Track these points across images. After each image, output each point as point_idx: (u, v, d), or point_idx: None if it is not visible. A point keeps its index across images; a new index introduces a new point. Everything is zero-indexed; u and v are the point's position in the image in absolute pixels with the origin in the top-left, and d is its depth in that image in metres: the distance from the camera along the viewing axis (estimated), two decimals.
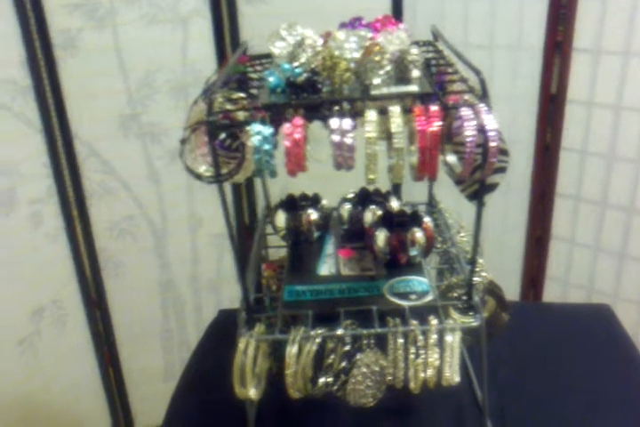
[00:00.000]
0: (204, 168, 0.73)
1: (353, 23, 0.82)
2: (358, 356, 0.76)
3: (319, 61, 0.72)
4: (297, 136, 0.66)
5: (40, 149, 1.34)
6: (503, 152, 0.70)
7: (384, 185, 0.96)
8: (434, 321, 0.76)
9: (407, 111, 0.68)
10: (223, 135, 0.72)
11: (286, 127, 0.66)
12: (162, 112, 1.45)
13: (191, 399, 0.99)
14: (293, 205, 0.97)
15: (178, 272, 1.63)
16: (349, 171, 0.67)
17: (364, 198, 0.97)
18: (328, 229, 0.97)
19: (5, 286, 1.35)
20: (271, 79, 0.72)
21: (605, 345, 1.04)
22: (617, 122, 1.47)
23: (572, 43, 1.46)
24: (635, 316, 1.57)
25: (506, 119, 1.55)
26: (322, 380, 0.76)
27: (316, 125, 0.77)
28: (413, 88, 0.71)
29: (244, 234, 1.61)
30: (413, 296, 0.81)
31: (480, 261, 0.88)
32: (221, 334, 1.10)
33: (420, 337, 0.75)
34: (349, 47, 0.74)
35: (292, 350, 0.74)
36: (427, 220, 0.86)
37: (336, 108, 0.68)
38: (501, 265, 1.68)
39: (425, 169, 0.67)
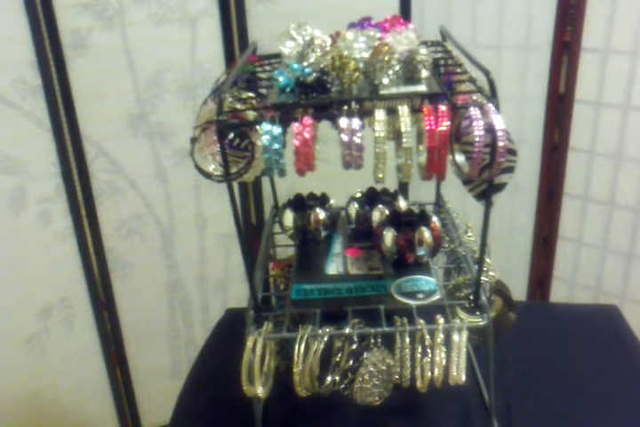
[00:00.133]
0: (213, 167, 0.74)
1: (362, 23, 0.82)
2: (365, 355, 0.76)
3: (328, 61, 0.73)
4: (306, 135, 0.66)
5: (49, 149, 1.35)
6: (511, 152, 0.71)
7: (391, 185, 0.96)
8: (441, 320, 0.76)
9: (416, 111, 0.68)
10: (232, 135, 0.72)
11: (295, 127, 0.67)
12: (170, 112, 1.46)
13: (198, 398, 1.00)
14: (301, 204, 0.97)
15: (185, 272, 1.64)
16: (358, 170, 0.67)
17: (372, 198, 0.97)
18: (336, 229, 0.97)
19: (14, 285, 1.36)
20: (280, 79, 0.72)
21: (613, 346, 1.04)
22: (625, 122, 1.46)
23: (580, 42, 1.46)
24: None
25: (514, 119, 1.55)
26: (329, 378, 0.76)
27: (324, 125, 0.77)
28: (422, 88, 0.71)
29: (252, 233, 1.62)
30: (421, 295, 0.81)
31: (487, 260, 0.89)
32: (229, 333, 1.11)
33: (427, 336, 0.75)
34: (358, 47, 0.74)
35: (299, 348, 0.75)
36: (434, 219, 0.86)
37: (345, 107, 0.68)
38: (508, 265, 1.68)
39: (433, 169, 0.67)
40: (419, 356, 0.75)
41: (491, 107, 0.65)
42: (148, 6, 1.37)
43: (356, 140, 0.66)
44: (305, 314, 0.83)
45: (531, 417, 0.90)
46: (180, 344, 1.70)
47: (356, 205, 0.96)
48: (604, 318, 1.12)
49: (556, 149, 1.57)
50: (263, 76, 0.83)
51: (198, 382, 1.03)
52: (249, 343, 0.77)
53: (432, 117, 0.65)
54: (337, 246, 0.94)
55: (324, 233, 0.94)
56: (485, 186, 0.73)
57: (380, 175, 0.67)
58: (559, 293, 1.69)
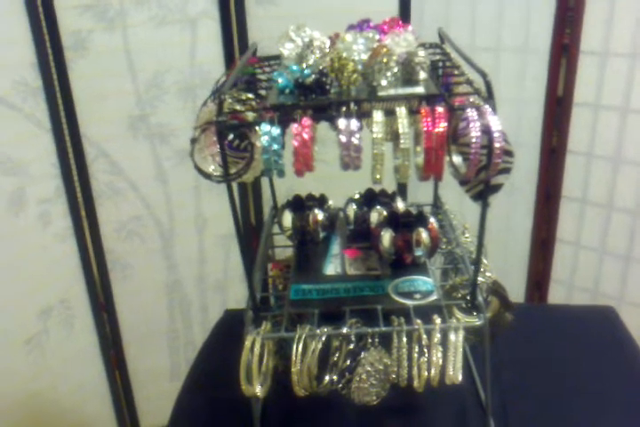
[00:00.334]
0: (212, 168, 0.74)
1: (361, 25, 0.83)
2: (363, 354, 0.76)
3: (327, 63, 0.73)
4: (305, 136, 0.67)
5: (49, 150, 1.36)
6: (508, 153, 0.71)
7: (390, 186, 0.97)
8: (438, 320, 0.77)
9: (414, 112, 0.68)
10: (232, 135, 0.73)
11: (294, 128, 0.67)
12: (170, 113, 1.47)
13: (197, 398, 1.00)
14: (300, 205, 0.97)
15: (184, 273, 1.64)
16: (356, 171, 0.68)
17: (370, 199, 0.98)
18: (334, 230, 0.97)
19: (14, 285, 1.36)
20: (280, 80, 0.73)
21: (610, 347, 1.04)
22: (623, 125, 1.47)
23: (579, 45, 1.46)
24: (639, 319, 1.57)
25: (512, 121, 1.56)
26: (327, 378, 0.77)
27: (323, 127, 0.78)
28: (420, 89, 0.72)
29: (251, 234, 1.62)
30: (418, 296, 0.81)
31: (484, 261, 0.89)
32: (227, 333, 1.11)
33: (424, 336, 0.76)
34: (357, 49, 0.75)
35: (297, 348, 0.75)
36: (432, 220, 0.86)
37: (343, 109, 0.69)
38: (507, 267, 1.69)
39: (431, 169, 0.67)
40: (416, 355, 0.76)
41: (487, 108, 0.66)
42: (148, 8, 1.37)
43: (355, 141, 0.66)
44: (303, 314, 0.84)
45: (527, 418, 0.90)
46: (179, 345, 1.71)
47: (355, 206, 0.97)
48: (600, 319, 1.12)
49: (555, 151, 1.58)
50: (263, 77, 0.83)
51: (197, 383, 1.03)
52: (247, 343, 0.77)
53: (429, 119, 0.66)
54: (335, 247, 0.94)
55: (322, 234, 0.95)
56: (482, 187, 0.73)
57: (378, 176, 0.67)
58: (557, 295, 1.69)
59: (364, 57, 0.74)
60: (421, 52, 0.74)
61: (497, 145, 0.64)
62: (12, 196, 1.31)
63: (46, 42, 1.28)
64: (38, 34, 1.26)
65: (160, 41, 1.41)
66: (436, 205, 1.08)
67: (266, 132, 0.68)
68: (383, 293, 0.83)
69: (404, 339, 0.76)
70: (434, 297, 0.81)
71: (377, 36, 0.76)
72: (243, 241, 0.77)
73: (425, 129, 0.66)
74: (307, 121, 0.67)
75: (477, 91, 0.71)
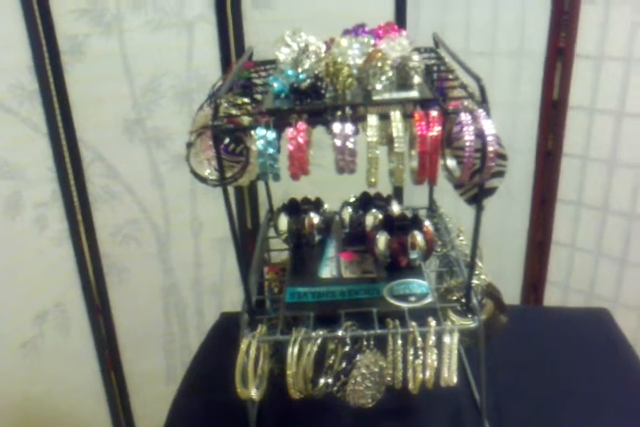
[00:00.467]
0: (208, 172, 0.75)
1: (356, 30, 0.83)
2: (358, 357, 0.77)
3: (322, 67, 0.74)
4: (300, 140, 0.67)
5: (45, 154, 1.36)
6: (501, 157, 0.72)
7: (385, 189, 0.97)
8: (432, 323, 0.77)
9: (408, 116, 0.69)
10: (228, 139, 0.73)
11: (290, 132, 0.68)
12: (166, 117, 1.47)
13: (193, 401, 1.00)
14: (296, 208, 0.98)
15: (180, 276, 1.64)
16: (351, 174, 0.68)
17: (366, 202, 0.98)
18: (330, 233, 0.98)
19: (9, 289, 1.36)
20: (275, 85, 0.73)
21: (603, 349, 1.05)
22: (618, 128, 1.48)
23: (574, 49, 1.47)
24: (634, 322, 1.58)
25: (508, 125, 1.56)
26: (322, 381, 0.77)
27: (319, 131, 0.78)
28: (414, 94, 0.72)
29: (247, 237, 1.62)
30: (413, 298, 0.82)
31: (479, 264, 0.90)
32: (223, 336, 1.11)
33: (419, 339, 0.76)
34: (352, 53, 0.75)
35: (293, 350, 0.75)
36: (427, 224, 0.87)
37: (338, 113, 0.69)
38: (502, 270, 1.69)
39: (425, 173, 0.68)
40: (411, 358, 0.76)
41: (481, 112, 0.66)
42: (145, 12, 1.38)
43: (349, 145, 0.67)
44: (299, 317, 0.84)
45: (522, 420, 0.91)
46: (175, 349, 1.71)
47: (350, 210, 0.97)
48: (595, 321, 1.13)
49: (550, 155, 1.58)
50: (258, 81, 0.84)
51: (193, 386, 1.03)
52: (243, 346, 0.77)
53: (423, 123, 0.66)
54: (331, 250, 0.95)
55: (317, 237, 0.95)
56: (476, 190, 0.74)
57: (373, 180, 0.68)
58: (553, 297, 1.70)
59: (359, 61, 0.75)
60: (416, 57, 0.75)
61: (490, 149, 0.65)
62: (8, 199, 1.31)
63: (43, 46, 1.28)
64: (35, 38, 1.27)
65: (156, 45, 1.41)
66: (432, 209, 1.08)
67: (261, 137, 0.68)
68: (378, 295, 0.83)
69: (400, 341, 0.76)
70: (429, 300, 0.82)
71: (372, 41, 0.77)
72: (238, 245, 0.78)
73: (419, 133, 0.66)
74: (302, 125, 0.68)
75: (471, 95, 0.71)
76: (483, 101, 0.67)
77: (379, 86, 0.73)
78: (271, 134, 0.68)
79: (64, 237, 1.43)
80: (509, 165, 0.78)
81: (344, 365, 0.77)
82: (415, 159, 0.68)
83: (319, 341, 0.77)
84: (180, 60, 1.45)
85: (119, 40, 1.38)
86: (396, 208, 0.97)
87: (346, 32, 0.83)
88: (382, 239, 0.86)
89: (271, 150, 0.68)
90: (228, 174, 0.72)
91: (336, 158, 0.68)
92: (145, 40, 1.40)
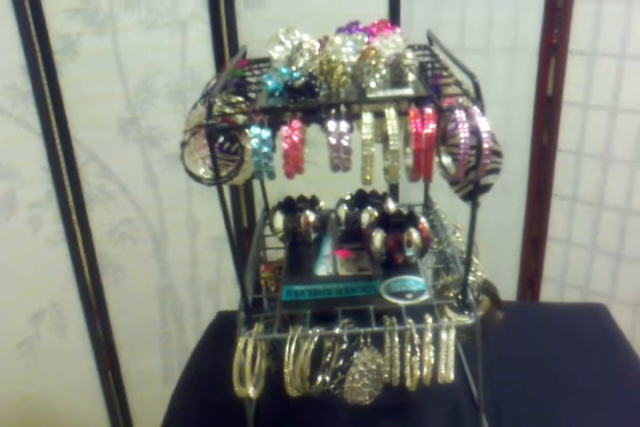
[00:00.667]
0: (203, 170, 0.75)
1: (350, 28, 0.83)
2: (355, 354, 0.77)
3: (316, 65, 0.74)
4: (295, 138, 0.67)
5: (40, 154, 1.35)
6: (496, 153, 0.72)
7: (381, 187, 0.97)
8: (429, 320, 0.77)
9: (402, 114, 0.69)
10: (222, 138, 0.73)
11: (284, 130, 0.68)
12: (160, 116, 1.47)
13: (190, 400, 1.00)
14: (291, 206, 0.98)
15: (177, 275, 1.64)
16: (346, 172, 0.68)
17: (361, 200, 0.98)
18: (325, 231, 0.98)
19: (5, 290, 1.36)
20: (269, 83, 0.73)
21: (600, 344, 1.05)
22: (612, 123, 1.48)
23: (567, 45, 1.47)
24: (630, 317, 1.58)
25: (503, 121, 1.57)
26: (319, 378, 0.77)
27: (314, 129, 0.78)
28: (408, 91, 0.72)
29: (243, 236, 1.62)
30: (409, 295, 0.82)
31: (475, 260, 0.90)
32: (220, 335, 1.11)
33: (416, 335, 0.76)
34: (346, 51, 0.75)
35: (290, 348, 0.75)
36: (423, 221, 0.87)
37: (333, 111, 0.69)
38: (498, 266, 1.70)
39: (420, 170, 0.68)
40: (408, 355, 0.76)
41: (476, 109, 0.66)
42: (138, 12, 1.37)
43: (344, 142, 0.67)
44: (295, 315, 0.84)
45: (519, 415, 0.91)
46: (172, 348, 1.71)
47: (346, 208, 0.97)
48: (591, 316, 1.13)
49: (545, 150, 1.59)
50: (252, 80, 0.83)
51: (190, 385, 1.03)
52: (240, 344, 0.77)
53: (418, 120, 0.66)
54: (327, 248, 0.95)
55: (313, 235, 0.95)
56: (471, 187, 0.74)
57: (368, 177, 0.68)
58: (549, 293, 1.70)
59: (353, 59, 0.74)
60: (410, 54, 0.75)
61: (485, 146, 0.65)
62: (2, 200, 1.31)
63: (35, 46, 1.28)
64: (27, 38, 1.26)
65: (150, 44, 1.41)
66: (427, 206, 1.08)
67: (256, 135, 0.68)
68: (375, 293, 0.83)
69: (397, 339, 0.76)
70: (425, 297, 0.82)
71: (366, 39, 0.77)
72: (234, 243, 0.78)
73: (414, 130, 0.66)
74: (296, 123, 0.68)
75: (466, 92, 0.71)
76: (477, 98, 0.67)
77: (373, 84, 0.73)
78: (266, 133, 0.68)
79: (59, 238, 1.43)
80: (505, 161, 0.78)
81: (341, 362, 0.77)
82: (410, 157, 0.68)
83: (316, 338, 0.77)
84: (173, 59, 1.45)
85: (112, 39, 1.37)
86: (391, 205, 0.97)
87: (339, 30, 0.83)
88: (378, 237, 0.86)
89: (266, 149, 0.68)
90: (223, 173, 0.72)
91: (331, 156, 0.68)
92: (138, 39, 1.39)
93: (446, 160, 0.70)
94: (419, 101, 0.70)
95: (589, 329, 1.09)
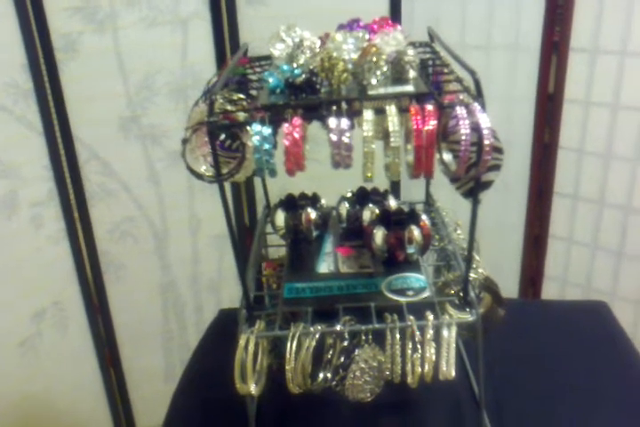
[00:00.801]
0: (204, 168, 0.75)
1: (351, 25, 0.83)
2: (357, 351, 0.77)
3: (317, 62, 0.74)
4: (296, 135, 0.67)
5: (41, 152, 1.36)
6: (497, 150, 0.72)
7: (383, 184, 0.97)
8: (430, 317, 0.77)
9: (403, 111, 0.69)
10: (223, 135, 0.73)
11: (285, 127, 0.68)
12: (161, 114, 1.47)
13: (192, 397, 1.00)
14: (293, 204, 0.98)
15: (178, 273, 1.64)
16: (347, 169, 0.68)
17: (363, 197, 0.98)
18: (327, 228, 0.98)
19: (7, 288, 1.36)
20: (270, 80, 0.73)
21: (601, 341, 1.05)
22: (614, 121, 1.48)
23: (568, 42, 1.47)
24: (631, 314, 1.58)
25: (504, 119, 1.57)
26: (321, 375, 0.77)
27: (315, 126, 0.78)
28: (409, 88, 0.72)
29: (245, 234, 1.62)
30: (411, 293, 0.82)
31: (476, 257, 0.90)
32: (222, 333, 1.11)
33: (417, 333, 0.76)
34: (347, 48, 0.75)
35: (291, 345, 0.76)
36: (424, 218, 0.87)
37: (334, 108, 0.69)
38: (500, 264, 1.70)
39: (421, 167, 0.68)
40: (409, 352, 0.76)
41: (476, 106, 0.66)
42: (139, 9, 1.37)
43: (345, 139, 0.67)
44: (297, 312, 0.84)
45: (520, 412, 0.91)
46: (174, 346, 1.71)
47: (347, 205, 0.97)
48: (593, 314, 1.13)
49: (546, 148, 1.58)
50: (254, 77, 0.83)
51: (192, 383, 1.04)
52: (241, 342, 0.77)
53: (419, 117, 0.66)
54: (328, 245, 0.95)
55: (315, 232, 0.95)
56: (472, 184, 0.74)
57: (369, 174, 0.68)
58: (550, 291, 1.70)
59: (354, 56, 0.74)
60: (411, 51, 0.75)
61: (486, 142, 0.65)
62: (4, 199, 1.31)
63: (36, 44, 1.28)
64: (28, 36, 1.26)
65: (151, 42, 1.41)
66: (428, 203, 1.08)
67: (257, 132, 0.68)
68: (376, 290, 0.83)
69: (398, 336, 0.77)
70: (426, 294, 0.82)
71: (367, 36, 0.77)
72: (235, 241, 0.78)
73: (415, 127, 0.66)
74: (297, 120, 0.68)
75: (467, 89, 0.71)
76: (478, 95, 0.67)
77: (374, 81, 0.73)
78: (267, 130, 0.68)
79: (61, 236, 1.43)
80: (506, 159, 0.78)
81: (343, 359, 0.77)
82: (411, 153, 0.68)
83: (317, 336, 0.77)
84: (174, 56, 1.45)
85: (113, 37, 1.37)
86: (392, 203, 0.97)
87: (340, 27, 0.83)
88: (379, 234, 0.86)
89: (267, 146, 0.68)
90: (225, 170, 0.72)
91: (332, 153, 0.68)
92: (139, 37, 1.39)
93: (447, 157, 0.70)
94: (419, 98, 0.70)
95: (590, 327, 1.09)
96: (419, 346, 0.76)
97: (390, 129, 0.67)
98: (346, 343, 0.78)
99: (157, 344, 1.69)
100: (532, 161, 1.60)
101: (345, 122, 0.67)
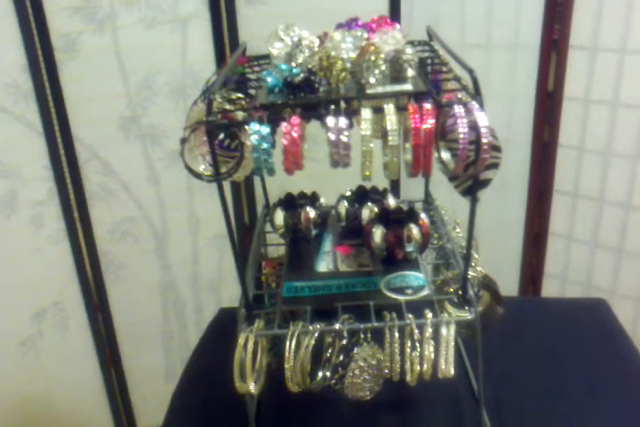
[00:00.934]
0: (203, 167, 0.75)
1: (349, 24, 0.83)
2: (356, 350, 0.77)
3: (316, 62, 0.74)
4: (294, 135, 0.67)
5: (41, 152, 1.36)
6: (495, 148, 0.72)
7: (382, 183, 0.98)
8: (429, 315, 0.77)
9: (402, 109, 0.69)
10: (222, 135, 0.73)
11: (284, 126, 0.68)
12: (161, 114, 1.47)
13: (192, 396, 1.00)
14: (292, 203, 0.98)
15: (178, 273, 1.64)
16: (345, 168, 0.69)
17: (362, 196, 0.98)
18: (326, 227, 0.98)
19: (7, 288, 1.36)
20: (269, 79, 0.74)
21: (600, 338, 1.05)
22: (614, 119, 1.48)
23: (568, 40, 1.47)
24: (632, 312, 1.58)
25: (503, 117, 1.57)
26: (320, 374, 0.77)
27: (314, 125, 0.78)
28: (408, 87, 0.72)
29: (244, 233, 1.63)
30: (409, 291, 0.82)
31: (475, 255, 0.90)
32: (222, 332, 1.11)
33: (416, 331, 0.76)
34: (346, 47, 0.75)
35: (290, 344, 0.76)
36: (423, 216, 0.87)
37: (332, 107, 0.69)
38: (500, 262, 1.70)
39: (419, 166, 0.68)
40: (408, 350, 0.76)
41: (475, 104, 0.66)
42: (138, 9, 1.37)
43: (343, 138, 0.67)
44: (296, 311, 0.84)
45: (520, 410, 0.91)
46: (174, 345, 1.71)
47: (346, 204, 0.97)
48: (592, 311, 1.13)
49: (546, 146, 1.58)
50: (252, 76, 0.84)
51: (192, 382, 1.04)
52: (240, 340, 0.77)
53: (417, 116, 0.66)
54: (327, 244, 0.95)
55: (314, 231, 0.95)
56: (471, 182, 0.74)
57: (367, 173, 0.68)
58: (550, 289, 1.70)
59: (353, 55, 0.75)
60: (409, 50, 0.75)
61: (484, 140, 0.65)
62: (4, 199, 1.31)
63: (36, 44, 1.28)
64: (28, 36, 1.26)
65: (150, 42, 1.41)
66: (427, 201, 1.08)
67: (255, 131, 0.68)
68: (375, 289, 0.83)
69: (397, 334, 0.77)
70: (425, 292, 0.82)
71: (365, 35, 0.77)
72: (234, 240, 0.78)
73: (413, 126, 0.66)
74: (295, 119, 0.68)
75: (465, 87, 0.72)
76: (476, 93, 0.67)
77: (372, 80, 0.73)
78: (265, 129, 0.68)
79: (61, 236, 1.43)
80: (506, 157, 0.78)
81: (342, 358, 0.78)
82: (409, 152, 0.68)
83: (316, 334, 0.77)
84: (174, 56, 1.45)
85: (113, 37, 1.37)
86: (391, 201, 0.97)
87: (339, 26, 0.83)
88: (378, 233, 0.86)
89: (265, 145, 0.68)
90: (223, 170, 0.72)
91: (330, 152, 0.68)
92: (139, 37, 1.39)
93: (445, 155, 0.70)
94: (418, 97, 0.70)
95: (590, 324, 1.09)
96: (418, 344, 0.76)
97: (388, 128, 0.67)
98: (345, 342, 0.78)
99: (158, 344, 1.69)
100: (531, 159, 1.60)
101: (343, 121, 0.67)
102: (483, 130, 0.65)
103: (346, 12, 0.87)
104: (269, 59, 0.84)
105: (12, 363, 1.41)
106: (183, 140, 0.74)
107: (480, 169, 0.68)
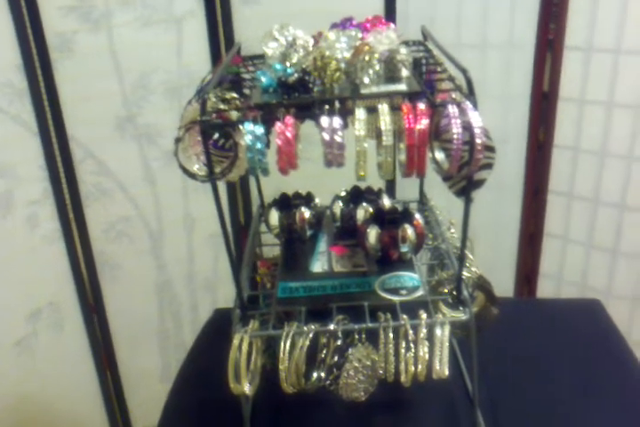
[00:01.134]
0: (197, 167, 0.75)
1: (344, 23, 0.83)
2: (350, 350, 0.77)
3: (310, 61, 0.74)
4: (288, 135, 0.67)
5: (36, 152, 1.35)
6: (489, 149, 0.72)
7: (377, 183, 0.97)
8: (424, 316, 0.77)
9: (396, 109, 0.69)
10: (216, 134, 0.73)
11: (278, 126, 0.68)
12: (157, 113, 1.46)
13: (187, 397, 1.00)
14: (287, 203, 0.98)
15: (174, 273, 1.64)
16: (339, 168, 0.69)
17: (357, 196, 0.98)
18: (321, 227, 0.98)
19: (2, 288, 1.36)
20: (263, 79, 0.74)
21: (595, 339, 1.05)
22: (609, 119, 1.48)
23: (563, 41, 1.47)
24: (626, 312, 1.58)
25: (498, 117, 1.57)
26: (315, 375, 0.77)
27: (308, 125, 0.78)
28: (402, 87, 0.72)
29: (240, 233, 1.62)
30: (404, 292, 0.82)
31: (470, 256, 0.90)
32: (217, 332, 1.11)
33: (411, 331, 0.76)
34: (340, 47, 0.75)
35: (285, 345, 0.76)
36: (417, 217, 0.87)
37: (326, 107, 0.69)
38: (495, 262, 1.70)
39: (413, 166, 0.68)
40: (402, 351, 0.76)
41: (468, 105, 0.66)
42: (133, 8, 1.37)
43: (337, 138, 0.67)
44: (291, 312, 0.84)
45: (515, 410, 0.91)
46: (170, 345, 1.71)
47: (341, 204, 0.97)
48: (587, 312, 1.13)
49: (541, 146, 1.58)
50: (247, 76, 0.84)
51: (187, 382, 1.04)
52: (235, 341, 0.77)
53: (411, 116, 0.66)
54: (322, 244, 0.95)
55: (309, 232, 0.95)
56: (465, 182, 0.74)
57: (362, 173, 0.68)
58: (545, 289, 1.70)
59: (347, 55, 0.75)
60: (403, 50, 0.75)
61: (478, 141, 0.65)
62: None
63: (31, 43, 1.27)
64: (23, 35, 1.26)
65: (146, 41, 1.40)
66: (422, 202, 1.08)
67: (249, 131, 0.68)
68: (370, 289, 0.83)
69: (391, 335, 0.77)
70: (420, 293, 0.82)
71: (359, 35, 0.77)
72: (228, 240, 0.78)
73: (407, 126, 0.66)
74: (290, 119, 0.68)
75: (459, 87, 0.71)
76: (470, 93, 0.67)
77: (366, 80, 0.73)
78: (259, 129, 0.68)
79: (56, 236, 1.43)
80: (501, 157, 0.78)
81: (336, 358, 0.77)
82: (403, 152, 0.68)
83: (311, 335, 0.77)
84: (169, 56, 1.45)
85: (108, 37, 1.37)
86: (386, 202, 0.97)
87: (333, 26, 0.83)
88: (373, 233, 0.86)
89: (259, 145, 0.68)
90: (217, 170, 0.72)
91: (324, 152, 0.68)
92: (134, 36, 1.39)
93: (439, 155, 0.70)
94: (412, 97, 0.70)
95: (584, 325, 1.10)
96: (412, 345, 0.76)
97: (382, 128, 0.67)
98: (339, 343, 0.78)
99: (153, 344, 1.69)
100: (526, 159, 1.60)
101: (337, 121, 0.67)
102: (476, 130, 0.65)
103: (341, 12, 0.87)
104: (264, 58, 0.84)
105: (7, 363, 1.41)
106: (177, 140, 0.74)
107: (474, 169, 0.68)
